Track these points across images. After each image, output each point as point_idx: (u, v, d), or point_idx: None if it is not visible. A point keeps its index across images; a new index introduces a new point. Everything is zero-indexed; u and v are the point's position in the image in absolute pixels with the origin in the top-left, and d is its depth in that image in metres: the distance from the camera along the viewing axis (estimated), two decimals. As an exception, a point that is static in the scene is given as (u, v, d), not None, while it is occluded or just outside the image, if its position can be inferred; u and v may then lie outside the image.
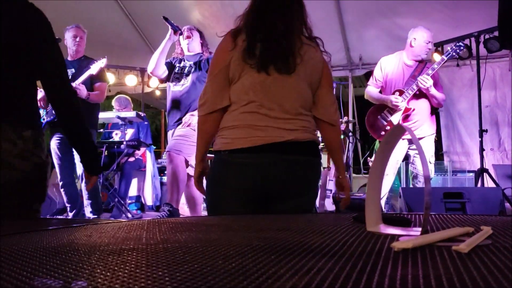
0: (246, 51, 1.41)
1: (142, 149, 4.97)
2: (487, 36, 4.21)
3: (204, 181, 1.61)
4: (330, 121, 1.55)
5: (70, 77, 3.55)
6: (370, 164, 4.64)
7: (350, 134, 5.58)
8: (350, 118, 5.97)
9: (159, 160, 5.77)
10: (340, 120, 5.17)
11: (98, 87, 3.77)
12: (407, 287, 0.34)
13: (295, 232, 0.68)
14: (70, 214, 3.82)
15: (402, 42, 3.67)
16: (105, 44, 5.52)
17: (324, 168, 4.86)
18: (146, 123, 5.11)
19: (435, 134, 3.64)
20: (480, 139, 3.93)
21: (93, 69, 3.68)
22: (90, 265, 0.44)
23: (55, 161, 3.68)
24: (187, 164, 3.17)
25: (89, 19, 5.00)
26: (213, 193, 1.49)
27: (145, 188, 5.33)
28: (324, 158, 5.15)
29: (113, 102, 5.25)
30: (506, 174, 4.38)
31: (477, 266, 0.40)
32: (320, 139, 1.80)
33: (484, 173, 3.75)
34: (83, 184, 3.68)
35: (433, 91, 3.37)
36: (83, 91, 3.54)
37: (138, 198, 5.28)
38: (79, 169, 3.62)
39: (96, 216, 3.67)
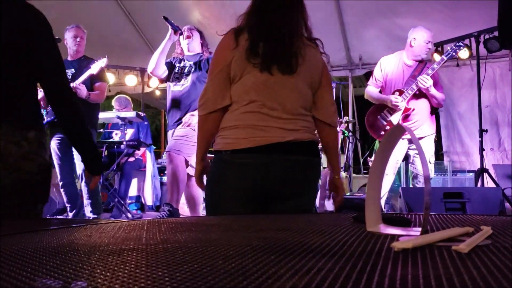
0: (249, 50, 1.41)
1: (142, 149, 4.97)
2: (487, 36, 4.22)
3: (205, 178, 1.60)
4: (330, 122, 1.56)
5: (70, 77, 3.56)
6: (370, 164, 4.64)
7: (350, 134, 5.58)
8: (350, 118, 5.97)
9: (159, 160, 5.78)
10: (340, 120, 5.18)
11: (98, 87, 3.77)
12: (407, 287, 0.34)
13: (295, 232, 0.68)
14: (70, 214, 3.82)
15: (402, 42, 3.66)
16: (105, 44, 5.52)
17: (324, 168, 4.86)
18: (146, 123, 5.11)
19: (435, 134, 3.64)
20: (480, 139, 3.93)
21: (94, 68, 3.68)
22: (90, 265, 0.44)
23: (55, 161, 3.68)
24: (187, 164, 3.17)
25: (89, 19, 5.00)
26: (214, 193, 1.48)
27: (145, 188, 5.33)
28: (324, 158, 5.15)
29: (113, 102, 5.25)
30: (506, 174, 4.38)
31: (477, 266, 0.40)
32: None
33: (484, 173, 3.75)
34: (83, 184, 3.68)
35: (433, 91, 3.37)
36: (83, 91, 3.54)
37: (138, 198, 5.28)
38: (79, 169, 3.62)
39: (96, 216, 3.67)
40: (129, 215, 4.32)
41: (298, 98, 1.46)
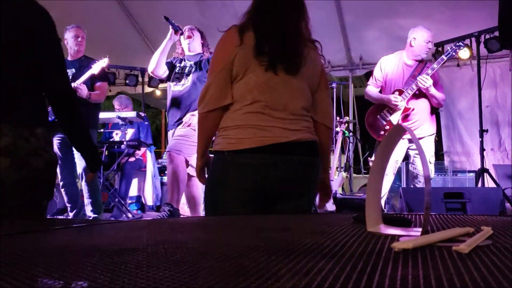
0: (256, 49, 1.40)
1: (143, 149, 4.97)
2: (487, 36, 4.22)
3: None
4: (328, 124, 1.58)
5: (70, 77, 3.55)
6: (371, 164, 4.64)
7: (351, 134, 5.58)
8: (351, 118, 5.96)
9: (160, 160, 5.77)
10: (341, 120, 5.18)
11: (98, 87, 3.77)
12: (407, 288, 0.34)
13: (295, 232, 0.68)
14: (71, 214, 3.82)
15: (403, 42, 3.66)
16: (106, 44, 5.52)
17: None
18: (146, 123, 5.11)
19: (435, 134, 3.64)
20: (480, 139, 3.93)
21: (95, 68, 3.68)
22: (90, 266, 0.44)
23: (56, 161, 3.68)
24: (187, 164, 3.17)
25: (89, 19, 5.00)
26: (214, 193, 1.47)
27: (146, 188, 5.33)
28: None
29: (114, 102, 5.25)
30: (507, 174, 4.38)
31: (477, 267, 0.40)
32: None
33: (485, 173, 3.75)
34: (83, 184, 3.68)
35: (433, 91, 3.37)
36: (84, 91, 3.54)
37: (138, 198, 5.28)
38: (79, 168, 3.63)
39: (96, 216, 3.67)
40: (130, 215, 4.32)
41: (300, 99, 1.46)
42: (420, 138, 3.41)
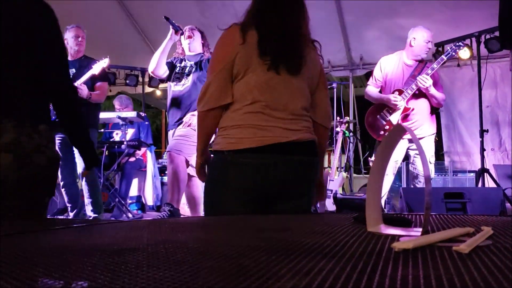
0: (260, 48, 1.39)
1: (143, 149, 4.97)
2: (487, 36, 4.21)
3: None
4: (326, 125, 1.59)
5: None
6: (371, 164, 4.64)
7: (351, 134, 5.58)
8: (351, 118, 5.96)
9: (160, 160, 5.77)
10: (341, 120, 5.18)
11: (99, 87, 3.77)
12: (407, 288, 0.34)
13: (295, 232, 0.69)
14: (71, 214, 3.82)
15: (403, 42, 3.66)
16: (106, 44, 5.52)
17: (325, 168, 4.84)
18: (146, 123, 5.11)
19: (435, 134, 3.64)
20: (480, 139, 3.93)
21: (95, 69, 3.68)
22: (90, 266, 0.44)
23: (56, 161, 3.68)
24: (187, 164, 3.17)
25: (89, 19, 5.00)
26: (214, 193, 1.47)
27: (146, 188, 5.33)
28: (325, 158, 5.14)
29: (114, 102, 5.25)
30: (507, 174, 4.38)
31: (477, 267, 0.40)
32: None
33: (485, 173, 3.75)
34: (83, 184, 3.68)
35: (433, 90, 3.37)
36: (84, 91, 3.54)
37: (138, 198, 5.28)
38: (79, 168, 3.63)
39: (97, 216, 3.67)
40: (130, 215, 4.32)
41: (300, 99, 1.46)
42: (420, 138, 3.41)
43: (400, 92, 3.45)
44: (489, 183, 3.87)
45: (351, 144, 5.61)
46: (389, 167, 3.48)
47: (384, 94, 3.57)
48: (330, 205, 4.25)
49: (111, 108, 5.57)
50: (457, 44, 3.68)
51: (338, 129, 5.05)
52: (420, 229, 0.63)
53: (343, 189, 5.15)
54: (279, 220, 0.91)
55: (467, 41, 4.18)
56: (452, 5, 4.77)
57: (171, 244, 0.58)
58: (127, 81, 6.27)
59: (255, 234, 0.70)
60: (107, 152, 4.58)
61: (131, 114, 4.52)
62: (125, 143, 4.35)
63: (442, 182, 4.89)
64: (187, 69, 3.30)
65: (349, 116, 5.98)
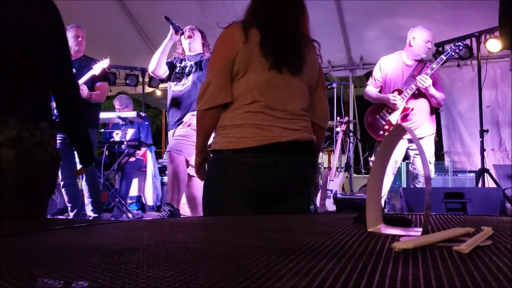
0: (262, 48, 1.39)
1: (143, 149, 4.97)
2: (487, 36, 4.21)
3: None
4: (324, 125, 1.60)
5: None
6: (371, 164, 4.64)
7: (351, 134, 5.58)
8: (351, 118, 5.96)
9: (160, 160, 5.77)
10: (341, 120, 5.18)
11: (99, 87, 3.77)
12: (407, 288, 0.34)
13: (295, 232, 0.69)
14: (71, 214, 3.82)
15: (403, 42, 3.66)
16: (106, 44, 5.52)
17: (325, 168, 4.85)
18: (146, 123, 5.11)
19: (435, 134, 3.64)
20: (481, 139, 3.93)
21: (96, 69, 3.68)
22: (91, 265, 0.44)
23: (56, 161, 3.68)
24: (187, 164, 3.17)
25: (89, 19, 5.00)
26: (214, 192, 1.47)
27: (146, 188, 5.33)
28: (324, 158, 5.14)
29: (114, 102, 5.25)
30: (507, 174, 4.38)
31: (477, 267, 0.40)
32: None
33: (485, 173, 3.75)
34: (83, 183, 3.68)
35: (432, 90, 3.37)
36: (84, 91, 3.54)
37: (138, 198, 5.29)
38: (79, 168, 3.62)
39: (97, 215, 3.67)
40: (130, 215, 4.32)
41: (300, 99, 1.46)
42: (420, 138, 3.41)
43: (400, 92, 3.45)
44: (489, 183, 3.87)
45: (351, 144, 5.61)
46: (389, 167, 3.48)
47: (384, 94, 3.57)
48: (330, 205, 4.25)
49: (111, 108, 5.57)
50: (457, 44, 3.68)
51: (338, 129, 5.05)
52: (420, 229, 0.63)
53: (343, 189, 5.16)
54: (279, 220, 0.91)
55: (467, 41, 4.18)
56: (452, 5, 4.77)
57: (171, 244, 0.58)
58: (127, 81, 6.27)
59: (255, 234, 0.70)
60: (107, 152, 4.57)
61: (131, 114, 4.52)
62: (125, 143, 4.35)
63: (442, 182, 4.89)
64: (187, 69, 3.30)
65: (349, 116, 5.98)
